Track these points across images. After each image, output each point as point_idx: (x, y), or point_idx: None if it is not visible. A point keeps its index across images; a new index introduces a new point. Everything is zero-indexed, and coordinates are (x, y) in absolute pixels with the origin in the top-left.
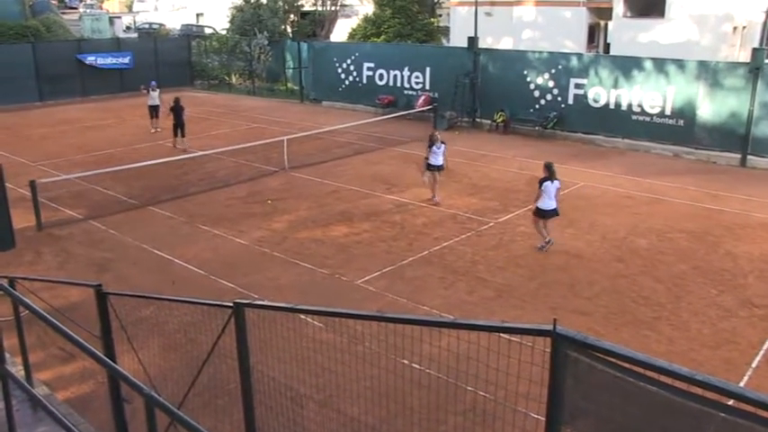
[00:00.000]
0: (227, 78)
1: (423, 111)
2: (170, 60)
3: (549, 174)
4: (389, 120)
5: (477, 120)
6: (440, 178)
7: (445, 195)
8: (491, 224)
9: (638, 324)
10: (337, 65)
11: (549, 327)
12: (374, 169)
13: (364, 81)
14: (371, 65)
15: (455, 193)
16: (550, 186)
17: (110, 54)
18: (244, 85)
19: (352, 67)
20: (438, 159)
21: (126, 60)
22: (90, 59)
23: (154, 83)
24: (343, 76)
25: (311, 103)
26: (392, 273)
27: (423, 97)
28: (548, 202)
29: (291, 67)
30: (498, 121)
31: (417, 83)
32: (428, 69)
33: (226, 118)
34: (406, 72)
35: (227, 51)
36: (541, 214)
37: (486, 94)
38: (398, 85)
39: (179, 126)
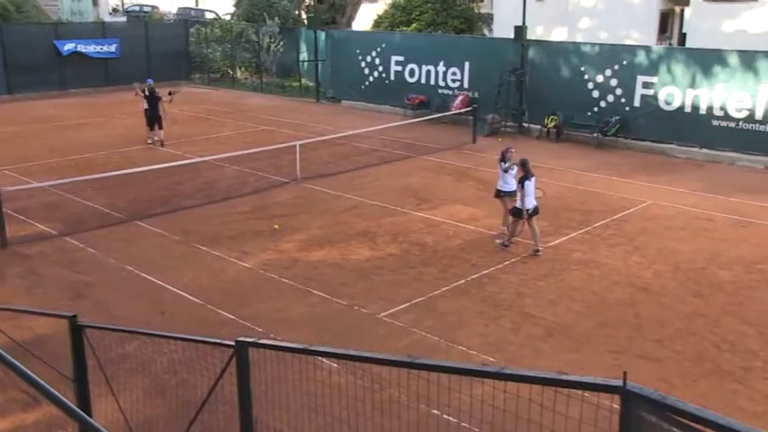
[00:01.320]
0: (230, 72)
1: (460, 113)
2: (164, 50)
3: (525, 171)
4: (420, 123)
5: (525, 125)
6: (535, 223)
7: (485, 213)
8: (540, 249)
9: (722, 375)
10: (360, 58)
11: (618, 382)
12: (402, 182)
13: (392, 77)
14: (400, 58)
15: (497, 211)
16: (530, 184)
17: (93, 41)
18: (250, 81)
19: (377, 61)
20: (512, 185)
21: (112, 48)
22: (69, 47)
23: (151, 81)
24: (366, 71)
25: (329, 103)
26: (422, 305)
27: (460, 97)
28: (531, 201)
29: (306, 59)
30: (550, 126)
31: (454, 80)
32: (467, 64)
33: (228, 118)
34: (441, 67)
35: (232, 40)
36: (524, 214)
37: (535, 94)
38: (432, 82)
39: (154, 118)
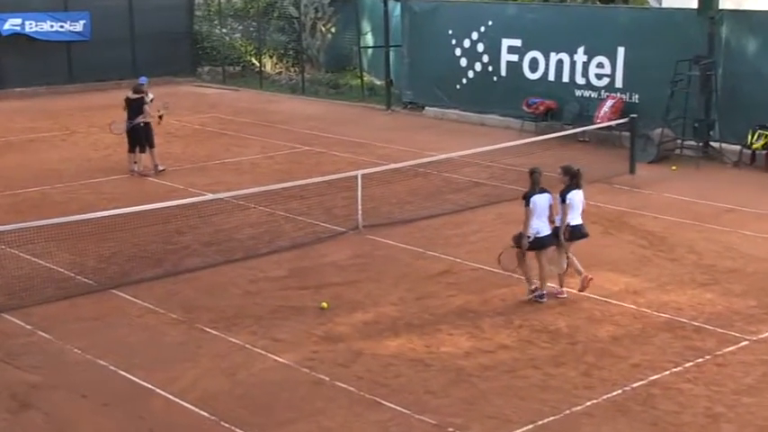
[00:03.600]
0: (256, 63)
1: (609, 127)
2: (156, 29)
3: (533, 183)
4: (547, 143)
5: (714, 145)
6: (571, 253)
7: (650, 284)
8: (743, 343)
9: None
10: (454, 43)
11: None
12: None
13: (502, 72)
14: (516, 43)
15: (672, 280)
16: (539, 202)
17: (48, 15)
18: (285, 77)
19: (480, 47)
20: (577, 216)
21: (77, 27)
22: (10, 24)
23: (144, 79)
24: (463, 62)
25: (405, 111)
26: (555, 429)
27: (610, 102)
28: (538, 226)
29: (371, 45)
30: (756, 146)
31: (601, 76)
32: (620, 51)
33: (253, 133)
34: (579, 56)
35: (258, 15)
36: (531, 244)
37: (732, 96)
38: (565, 79)
39: (136, 137)
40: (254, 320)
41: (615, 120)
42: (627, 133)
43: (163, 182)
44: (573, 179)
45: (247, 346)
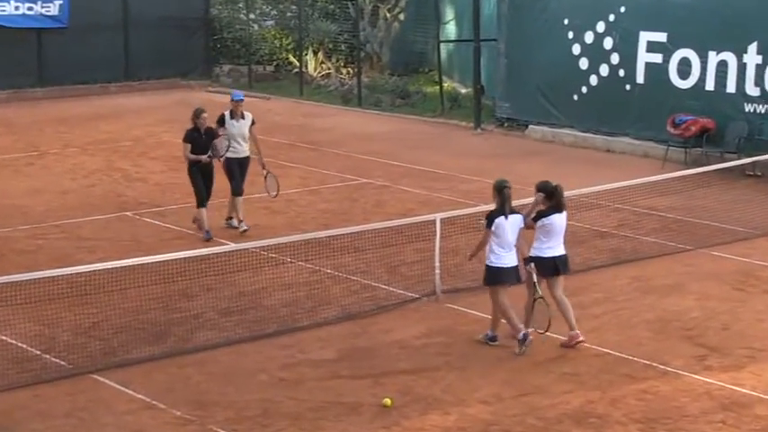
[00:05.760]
0: (294, 62)
1: None
2: (157, 15)
3: (501, 200)
4: (702, 176)
5: None
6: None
7: None
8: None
9: None
10: (571, 36)
11: None
12: (660, 304)
13: (639, 78)
14: (659, 37)
15: None
16: (506, 225)
17: None
18: (335, 80)
19: (607, 43)
20: (557, 244)
21: (52, 10)
22: None
23: (240, 95)
24: (584, 63)
25: (501, 130)
26: None
27: None
28: (500, 254)
29: (453, 39)
30: None
31: None
32: None
33: (290, 159)
34: (750, 56)
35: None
36: (493, 278)
37: None
38: (729, 88)
39: (207, 178)
40: (289, 421)
41: None
42: None
43: (165, 224)
44: (552, 199)
45: None
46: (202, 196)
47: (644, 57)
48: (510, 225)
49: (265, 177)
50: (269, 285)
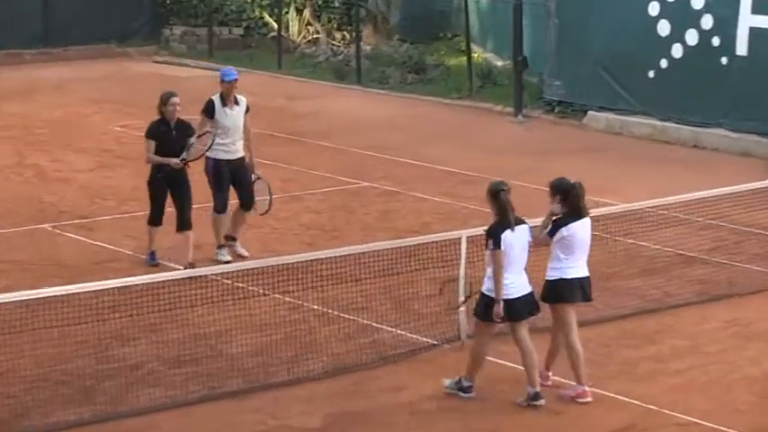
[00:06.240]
0: (271, 23)
1: None
2: None
3: (501, 208)
4: None
5: None
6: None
7: None
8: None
9: None
10: None
11: None
12: (767, 356)
13: (739, 49)
14: None
15: None
16: (514, 241)
17: None
18: (326, 48)
19: (695, 1)
20: (580, 263)
21: None
22: None
23: (234, 72)
24: (664, 28)
25: (550, 117)
26: None
27: None
28: (512, 281)
29: None
30: None
31: None
32: None
33: (266, 155)
34: None
35: None
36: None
37: None
38: None
39: (177, 190)
40: None
41: None
42: None
43: (95, 242)
44: (569, 200)
45: None
46: (158, 214)
47: (748, 19)
48: (518, 239)
49: (253, 183)
50: (233, 326)
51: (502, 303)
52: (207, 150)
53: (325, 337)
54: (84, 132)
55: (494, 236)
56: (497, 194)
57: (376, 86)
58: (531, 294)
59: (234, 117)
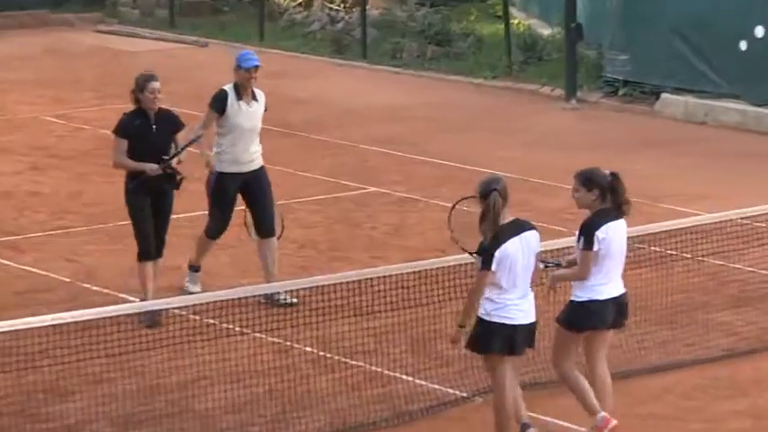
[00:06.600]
0: None
1: None
2: None
3: (495, 215)
4: None
5: None
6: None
7: None
8: None
9: None
10: None
11: None
12: None
13: None
14: None
15: None
16: (514, 253)
17: None
18: (323, 14)
19: None
20: (614, 276)
21: None
22: None
23: (255, 57)
24: None
25: (614, 100)
26: None
27: None
28: (507, 304)
29: None
30: None
31: None
32: None
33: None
34: None
35: None
36: (489, 342)
37: None
38: None
39: (158, 205)
40: None
41: None
42: None
43: (22, 266)
44: (608, 196)
45: None
46: (149, 243)
47: None
48: (521, 252)
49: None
50: (202, 375)
51: (465, 329)
52: (188, 146)
53: (322, 388)
54: (8, 124)
55: (486, 255)
56: (488, 195)
57: (386, 63)
58: (533, 327)
59: (251, 115)
